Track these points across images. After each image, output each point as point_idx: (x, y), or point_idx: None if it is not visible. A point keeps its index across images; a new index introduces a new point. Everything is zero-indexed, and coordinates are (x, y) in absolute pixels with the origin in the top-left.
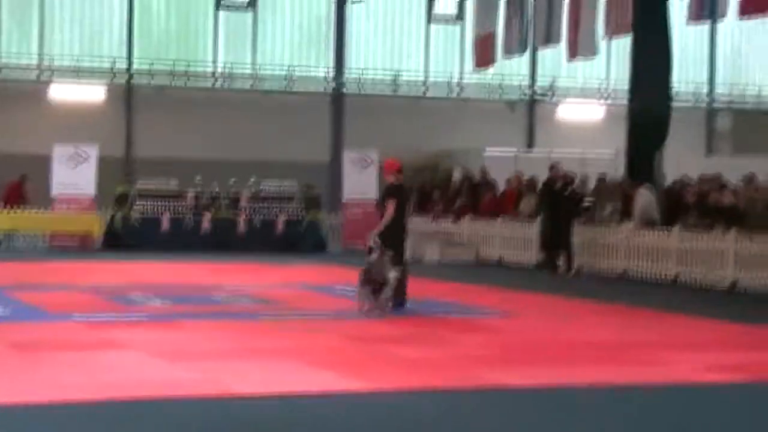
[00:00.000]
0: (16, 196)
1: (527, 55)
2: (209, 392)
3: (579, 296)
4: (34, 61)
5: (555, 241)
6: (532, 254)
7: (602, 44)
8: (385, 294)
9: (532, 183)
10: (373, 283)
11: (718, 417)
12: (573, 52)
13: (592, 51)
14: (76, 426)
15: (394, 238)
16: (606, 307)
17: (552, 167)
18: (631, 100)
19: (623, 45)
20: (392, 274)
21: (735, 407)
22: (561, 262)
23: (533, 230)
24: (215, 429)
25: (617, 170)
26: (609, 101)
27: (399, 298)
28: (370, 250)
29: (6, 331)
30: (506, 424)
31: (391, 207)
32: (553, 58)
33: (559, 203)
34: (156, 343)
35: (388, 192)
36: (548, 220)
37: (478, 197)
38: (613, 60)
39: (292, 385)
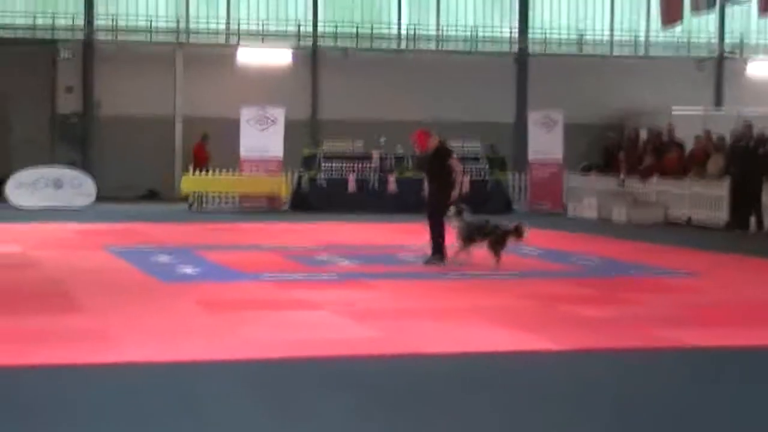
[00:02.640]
0: (201, 156)
1: (715, 11)
2: (396, 351)
3: None
4: (222, 26)
5: (746, 200)
6: (722, 214)
7: None
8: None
9: (721, 142)
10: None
11: None
12: (765, 8)
13: None
14: (269, 383)
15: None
16: None
17: (744, 125)
18: None
19: None
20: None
21: None
22: (752, 221)
23: (723, 189)
24: (403, 387)
25: None
26: None
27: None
28: (460, 212)
29: (197, 290)
30: (689, 386)
31: (460, 167)
32: (743, 14)
33: (750, 161)
34: (344, 303)
35: (450, 154)
36: (739, 178)
37: (665, 156)
38: None
39: (478, 344)
